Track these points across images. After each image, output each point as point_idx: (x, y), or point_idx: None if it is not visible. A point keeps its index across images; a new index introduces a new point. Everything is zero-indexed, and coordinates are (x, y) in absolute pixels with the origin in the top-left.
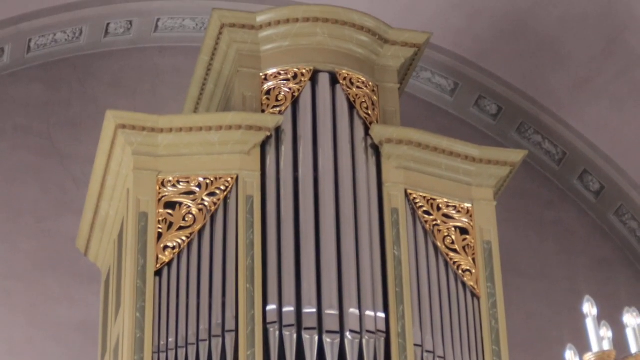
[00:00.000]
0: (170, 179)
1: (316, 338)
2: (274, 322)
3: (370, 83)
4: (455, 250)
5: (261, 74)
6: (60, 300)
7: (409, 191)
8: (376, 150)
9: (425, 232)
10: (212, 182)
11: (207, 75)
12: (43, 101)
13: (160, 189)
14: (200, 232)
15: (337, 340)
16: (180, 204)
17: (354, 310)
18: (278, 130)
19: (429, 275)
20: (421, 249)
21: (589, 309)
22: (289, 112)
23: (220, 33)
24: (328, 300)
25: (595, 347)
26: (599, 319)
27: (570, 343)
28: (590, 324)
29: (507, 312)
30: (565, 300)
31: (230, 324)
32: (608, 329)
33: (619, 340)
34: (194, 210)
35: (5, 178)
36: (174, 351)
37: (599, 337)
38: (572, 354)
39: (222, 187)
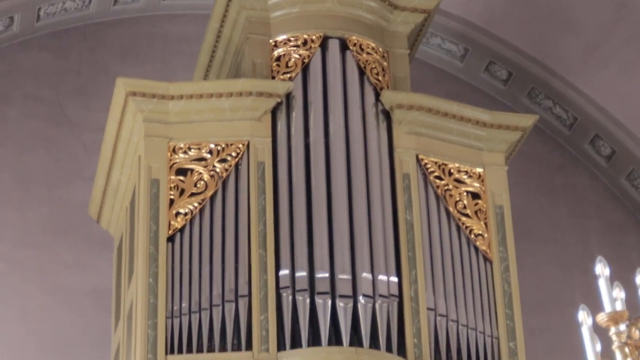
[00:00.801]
0: (182, 145)
1: (329, 302)
2: (287, 287)
3: (380, 49)
4: (467, 215)
5: (271, 41)
6: (72, 268)
7: (420, 156)
8: (387, 116)
9: (437, 197)
10: (223, 148)
11: (217, 42)
12: (53, 69)
13: (171, 155)
14: (212, 199)
15: (350, 305)
16: (192, 170)
17: (366, 275)
18: (288, 96)
19: (441, 240)
20: (433, 214)
21: (602, 269)
22: (299, 78)
23: (229, 0)
24: (340, 265)
25: (608, 308)
26: (611, 281)
27: (582, 304)
28: (602, 284)
29: (519, 276)
30: (577, 264)
31: (243, 289)
32: (621, 290)
33: (632, 301)
34: (206, 177)
35: (16, 146)
36: (187, 316)
37: (612, 297)
38: (585, 314)
39: (233, 154)
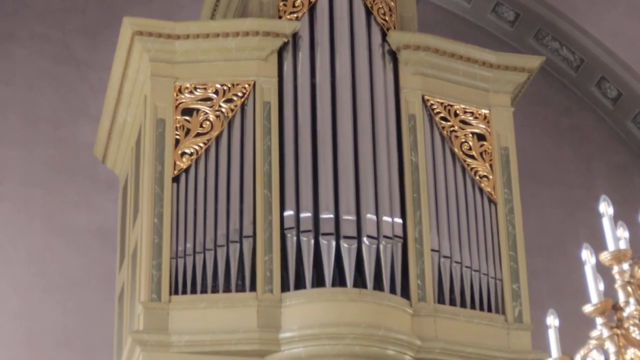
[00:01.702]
0: (188, 85)
1: (333, 243)
2: (292, 228)
3: None
4: (472, 157)
5: None
6: (78, 207)
7: (426, 97)
8: (393, 56)
9: (443, 138)
10: (229, 88)
11: None
12: (59, 8)
13: (177, 95)
14: (218, 139)
15: (355, 246)
16: (198, 110)
17: (371, 216)
18: (295, 36)
19: (446, 181)
20: (438, 155)
21: (605, 208)
22: (306, 18)
23: None
24: (345, 206)
25: (611, 247)
26: (616, 222)
27: (586, 243)
28: (606, 223)
29: (523, 218)
30: (582, 206)
31: (247, 230)
32: (625, 230)
33: (636, 242)
34: (211, 117)
35: (23, 85)
36: (192, 256)
37: (615, 236)
38: (588, 253)
39: (239, 94)
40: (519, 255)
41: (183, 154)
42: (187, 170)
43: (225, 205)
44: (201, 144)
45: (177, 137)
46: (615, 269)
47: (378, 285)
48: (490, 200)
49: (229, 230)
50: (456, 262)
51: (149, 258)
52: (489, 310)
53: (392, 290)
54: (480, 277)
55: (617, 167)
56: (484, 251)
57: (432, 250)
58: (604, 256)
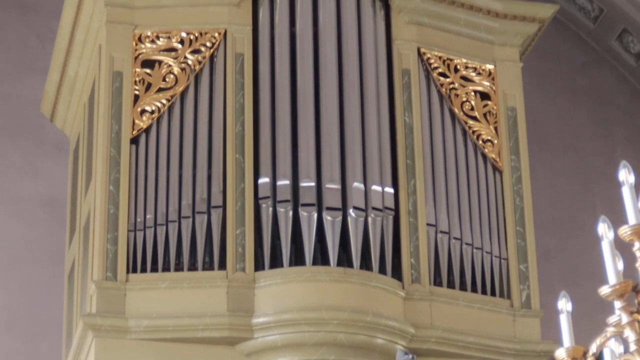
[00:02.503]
0: (149, 33)
1: (315, 216)
2: (267, 198)
3: None
4: (474, 118)
5: None
6: (22, 173)
7: (423, 50)
8: (385, 3)
9: (441, 96)
10: (196, 37)
11: None
12: None
13: (136, 45)
14: (183, 95)
15: (339, 219)
16: (160, 62)
17: (358, 185)
18: None
19: (445, 146)
20: (436, 116)
21: (626, 175)
22: None
23: None
24: (329, 173)
25: (632, 219)
26: (637, 191)
27: (603, 216)
28: (626, 192)
29: (533, 189)
30: (600, 176)
31: (216, 200)
32: None
33: None
34: (176, 70)
35: None
36: (153, 229)
37: (637, 208)
38: (606, 227)
39: (208, 44)
40: (527, 231)
41: (143, 111)
42: (147, 131)
43: (191, 171)
44: (164, 101)
45: (137, 92)
46: (637, 246)
47: (365, 264)
48: (495, 168)
49: (195, 200)
50: (455, 238)
51: (103, 231)
52: (493, 294)
53: (382, 270)
54: (483, 256)
55: None
56: (487, 226)
57: (428, 224)
58: (624, 230)
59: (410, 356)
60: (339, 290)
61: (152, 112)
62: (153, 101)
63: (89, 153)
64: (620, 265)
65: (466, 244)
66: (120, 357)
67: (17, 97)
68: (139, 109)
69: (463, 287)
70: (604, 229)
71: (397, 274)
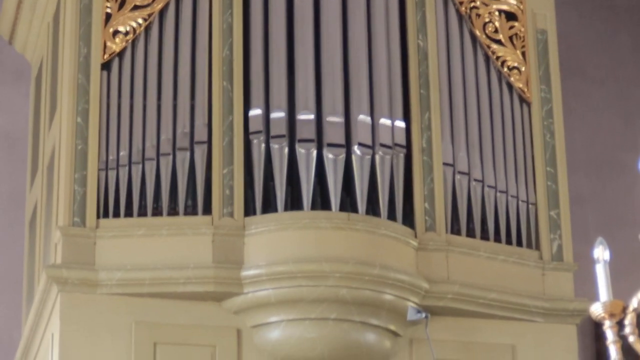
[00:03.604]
0: None
1: (314, 153)
2: (259, 132)
3: None
4: (499, 42)
5: None
6: None
7: None
8: None
9: (460, 16)
10: None
11: None
12: None
13: None
14: (162, 13)
15: (342, 156)
16: None
17: (364, 118)
18: None
19: (464, 74)
20: (454, 40)
21: None
22: None
23: None
24: (330, 104)
25: None
26: None
27: None
28: None
29: (566, 125)
30: None
31: (201, 134)
32: None
33: None
34: None
35: None
36: (127, 168)
37: None
38: None
39: None
40: (559, 172)
41: (116, 32)
42: (121, 55)
43: (172, 102)
44: (140, 20)
45: (109, 10)
46: None
47: (372, 209)
48: (522, 100)
49: (175, 134)
50: (476, 180)
51: (70, 169)
52: (519, 244)
53: (391, 216)
54: (508, 201)
55: None
56: (512, 167)
57: (445, 164)
58: None
59: (424, 315)
60: (342, 239)
61: (127, 33)
62: (128, 20)
63: (54, 80)
64: None
65: (488, 186)
66: (89, 314)
67: None
68: (111, 30)
69: (485, 236)
70: None
71: (408, 220)
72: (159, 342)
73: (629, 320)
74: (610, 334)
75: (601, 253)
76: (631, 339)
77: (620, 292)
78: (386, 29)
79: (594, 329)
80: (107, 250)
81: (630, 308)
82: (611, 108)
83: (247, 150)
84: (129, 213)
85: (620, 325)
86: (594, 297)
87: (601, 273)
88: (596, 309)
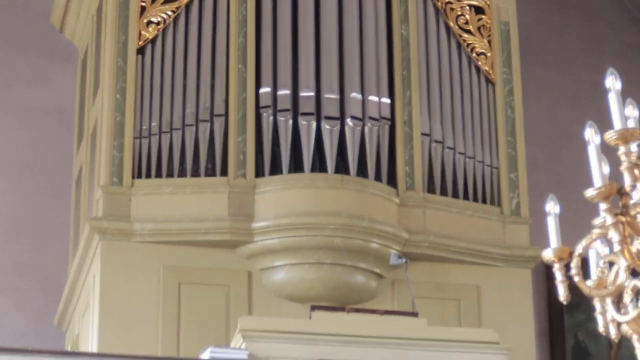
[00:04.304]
0: None
1: (314, 124)
2: (268, 107)
3: None
4: (469, 31)
5: None
6: (31, 83)
7: None
8: None
9: (437, 10)
10: None
11: None
12: None
13: None
14: (188, 6)
15: (337, 127)
16: None
17: (355, 95)
18: None
19: (440, 58)
20: (431, 29)
21: (612, 82)
22: None
23: None
24: (327, 83)
25: (617, 125)
26: (624, 102)
27: (590, 121)
28: (612, 98)
29: (525, 102)
30: (589, 91)
31: (219, 108)
32: (635, 108)
33: None
34: None
35: None
36: (157, 136)
37: (623, 114)
38: (592, 132)
39: None
40: (517, 141)
41: (149, 22)
42: (153, 41)
43: (195, 81)
44: (169, 12)
45: (143, 3)
46: (622, 150)
47: (362, 171)
48: (488, 80)
49: (198, 108)
50: (449, 147)
51: (110, 138)
52: (484, 201)
53: (378, 177)
54: (475, 165)
55: (630, 47)
56: (479, 136)
57: (423, 134)
58: (610, 135)
59: (404, 260)
60: (336, 196)
61: (158, 23)
62: (159, 12)
63: (97, 63)
64: (606, 170)
65: (459, 153)
66: (125, 259)
67: (28, 8)
68: (145, 20)
69: (455, 195)
70: (590, 134)
71: (392, 181)
72: (183, 282)
73: (574, 263)
74: (559, 275)
75: (552, 207)
76: (576, 279)
77: (568, 242)
78: (375, 21)
79: (546, 272)
80: (140, 205)
81: (576, 253)
82: (563, 88)
83: (257, 121)
84: (158, 174)
85: (567, 267)
86: (546, 246)
87: (552, 224)
88: (547, 254)
